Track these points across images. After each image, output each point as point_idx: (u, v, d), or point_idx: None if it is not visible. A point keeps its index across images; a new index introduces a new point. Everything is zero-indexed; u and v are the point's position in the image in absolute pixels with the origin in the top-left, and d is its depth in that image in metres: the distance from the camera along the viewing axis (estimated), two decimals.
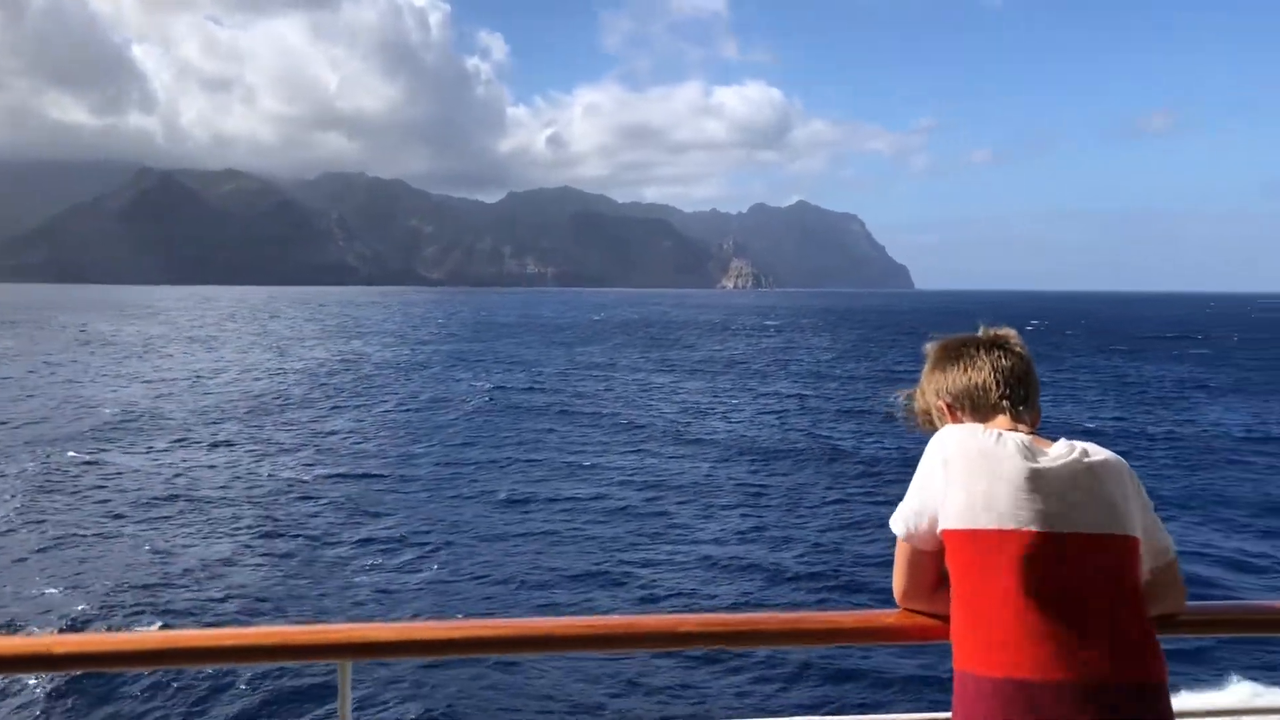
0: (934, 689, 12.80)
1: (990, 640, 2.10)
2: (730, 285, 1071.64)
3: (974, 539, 2.14)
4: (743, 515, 23.17)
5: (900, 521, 2.31)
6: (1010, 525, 2.11)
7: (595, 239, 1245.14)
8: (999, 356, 2.40)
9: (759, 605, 16.52)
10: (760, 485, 26.58)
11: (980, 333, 2.50)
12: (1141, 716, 2.02)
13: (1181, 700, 2.25)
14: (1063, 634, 2.05)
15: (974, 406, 2.38)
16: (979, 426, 2.28)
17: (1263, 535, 21.57)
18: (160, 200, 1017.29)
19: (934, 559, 2.30)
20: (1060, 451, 2.20)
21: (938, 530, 2.23)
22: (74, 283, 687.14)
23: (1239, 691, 12.39)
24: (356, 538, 20.80)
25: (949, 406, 2.42)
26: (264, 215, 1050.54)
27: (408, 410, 41.93)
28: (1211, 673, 12.91)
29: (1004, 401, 2.35)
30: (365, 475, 27.61)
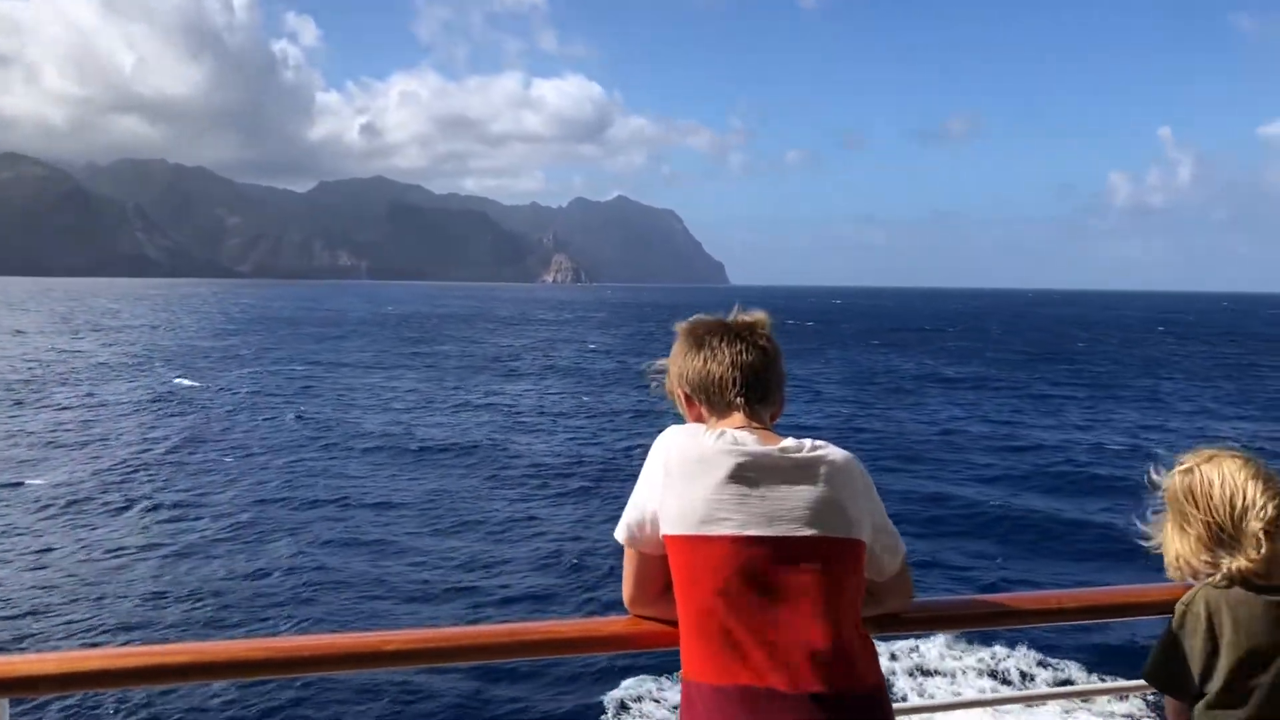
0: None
1: (710, 648, 2.06)
2: (551, 280, 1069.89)
3: (691, 544, 2.10)
4: (430, 525, 21.31)
5: (624, 527, 2.24)
6: (726, 530, 2.07)
7: (412, 231, 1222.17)
8: (741, 350, 2.30)
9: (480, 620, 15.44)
10: (462, 487, 24.90)
11: (731, 317, 2.39)
12: None
13: (902, 699, 2.21)
14: (782, 641, 2.02)
15: (710, 400, 2.30)
16: (701, 427, 2.22)
17: (957, 534, 21.14)
18: None
19: (660, 564, 2.22)
20: (787, 451, 2.15)
21: (660, 535, 2.17)
22: None
23: (961, 685, 12.90)
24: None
25: (687, 397, 2.35)
26: (51, 203, 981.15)
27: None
28: (935, 667, 13.26)
29: (739, 398, 2.27)
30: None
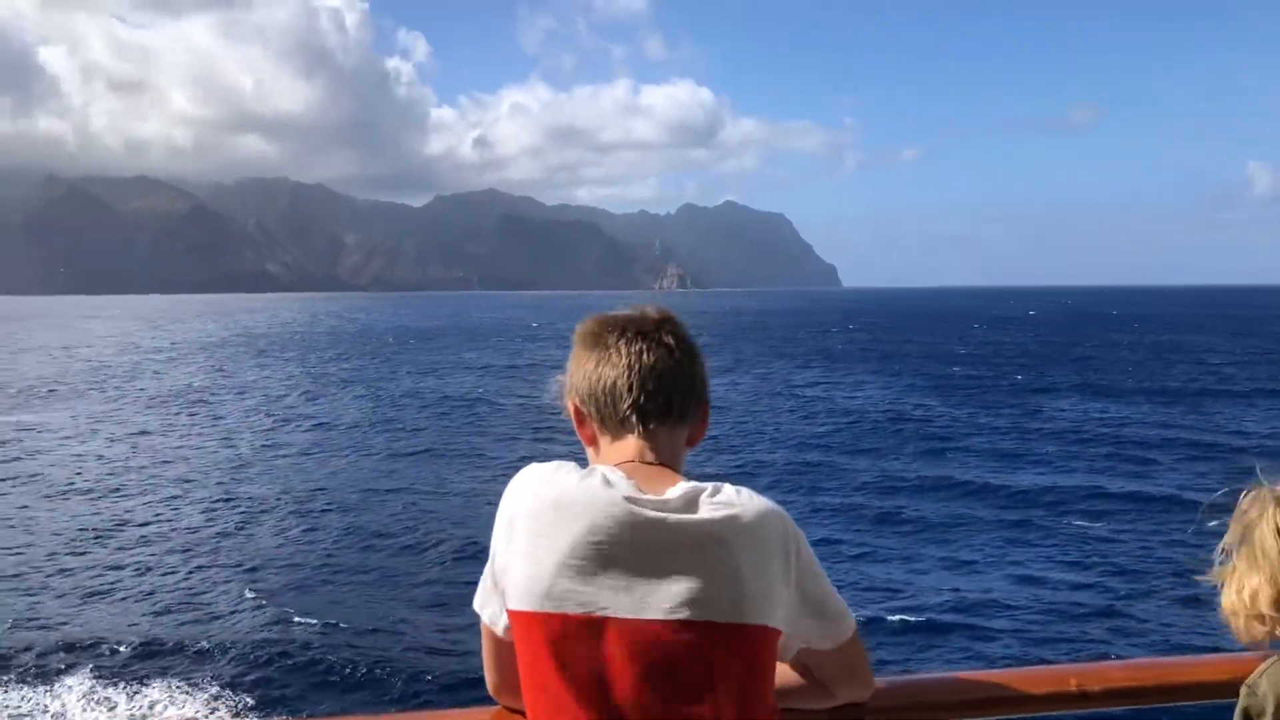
0: None
1: None
2: (659, 287, 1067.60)
3: (534, 624, 1.68)
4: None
5: (479, 597, 1.85)
6: (574, 609, 1.64)
7: (521, 242, 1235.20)
8: (642, 350, 1.84)
9: None
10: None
11: (628, 311, 1.93)
12: None
13: None
14: None
15: (601, 415, 1.85)
16: (564, 465, 1.76)
17: None
18: (68, 209, 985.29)
19: None
20: (671, 503, 1.68)
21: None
22: None
23: None
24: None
25: (576, 411, 1.89)
26: (178, 223, 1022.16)
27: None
28: None
29: (633, 414, 1.81)
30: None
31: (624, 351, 1.82)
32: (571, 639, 1.63)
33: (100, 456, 29.37)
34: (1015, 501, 22.24)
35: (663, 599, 1.62)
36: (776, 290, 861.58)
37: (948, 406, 37.71)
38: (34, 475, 26.38)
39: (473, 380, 52.85)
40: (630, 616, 1.62)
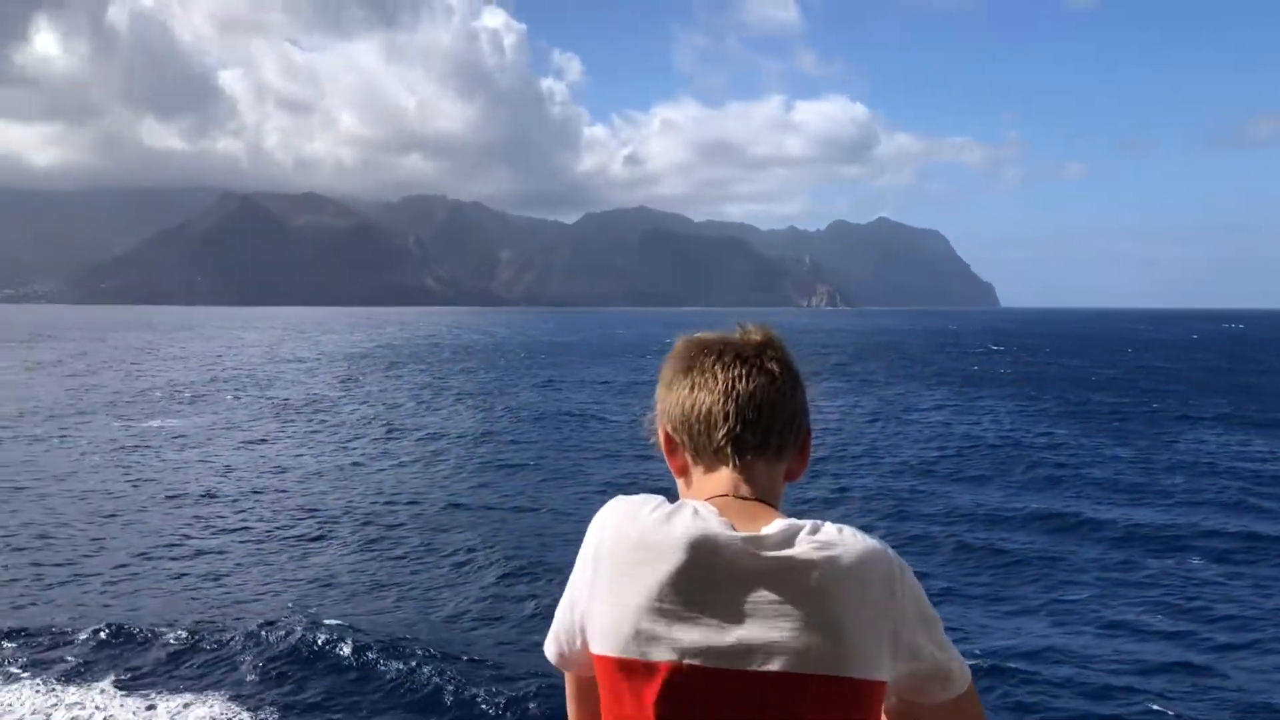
0: None
1: None
2: (807, 304, 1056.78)
3: (617, 669, 1.58)
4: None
5: (552, 641, 1.76)
6: (663, 655, 1.53)
7: (668, 258, 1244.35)
8: (741, 376, 1.71)
9: None
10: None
11: (735, 334, 1.80)
12: None
13: None
14: None
15: (695, 445, 1.73)
16: (653, 500, 1.65)
17: None
18: (241, 224, 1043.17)
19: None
20: (767, 542, 1.56)
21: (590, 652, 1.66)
22: (150, 305, 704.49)
23: None
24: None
25: (668, 439, 1.78)
26: (342, 238, 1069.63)
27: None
28: None
29: (728, 444, 1.69)
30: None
31: (721, 377, 1.70)
32: (656, 687, 1.52)
33: (210, 461, 30.30)
34: (1124, 538, 20.40)
35: (754, 648, 1.50)
36: (928, 309, 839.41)
37: (1073, 434, 35.19)
38: (149, 479, 27.34)
39: (588, 395, 52.74)
40: (718, 666, 1.51)
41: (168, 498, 24.74)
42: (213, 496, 24.88)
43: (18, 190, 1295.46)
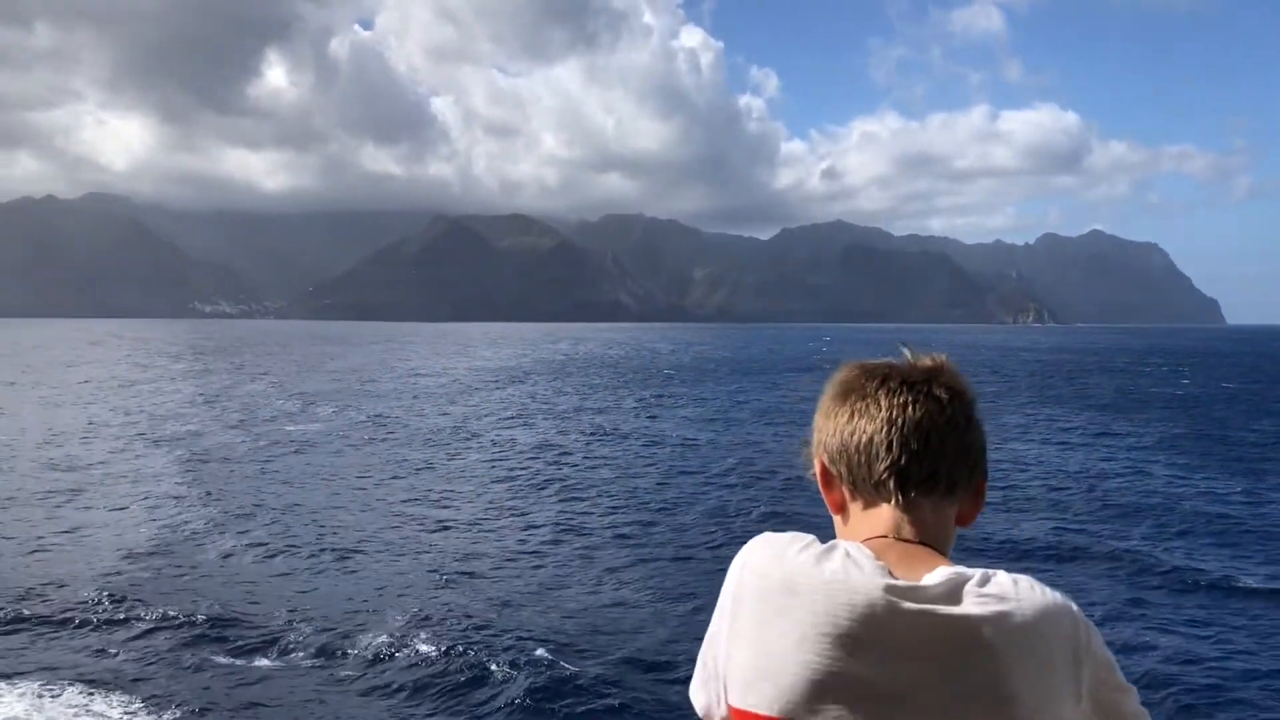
0: None
1: None
2: (1012, 321, 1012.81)
3: None
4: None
5: (698, 687, 1.60)
6: (802, 711, 1.40)
7: (867, 273, 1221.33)
8: (906, 403, 1.56)
9: None
10: None
11: (903, 360, 1.65)
12: None
13: None
14: None
15: (853, 479, 1.59)
16: (803, 538, 1.50)
17: None
18: (451, 245, 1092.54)
19: None
20: (929, 594, 1.40)
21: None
22: (370, 321, 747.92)
23: None
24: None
25: (824, 471, 1.65)
26: (543, 257, 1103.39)
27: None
28: None
29: (890, 478, 1.54)
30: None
31: (884, 403, 1.55)
32: None
33: (342, 461, 31.94)
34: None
35: (900, 705, 1.36)
36: (1144, 326, 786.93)
37: (1233, 476, 31.07)
38: (300, 480, 28.63)
39: (747, 413, 51.22)
40: None
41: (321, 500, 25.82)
42: (333, 504, 25.43)
43: (251, 214, 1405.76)
